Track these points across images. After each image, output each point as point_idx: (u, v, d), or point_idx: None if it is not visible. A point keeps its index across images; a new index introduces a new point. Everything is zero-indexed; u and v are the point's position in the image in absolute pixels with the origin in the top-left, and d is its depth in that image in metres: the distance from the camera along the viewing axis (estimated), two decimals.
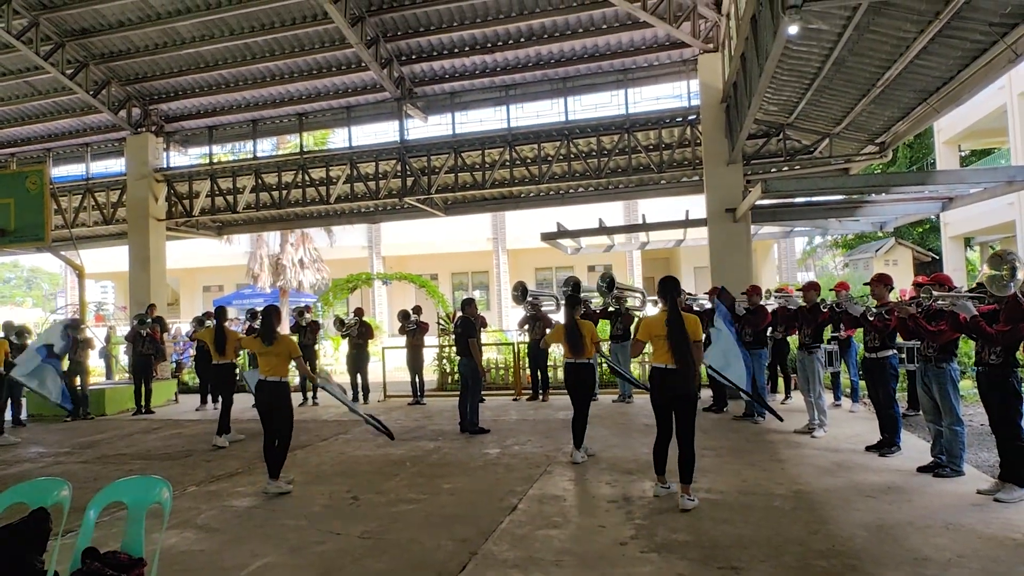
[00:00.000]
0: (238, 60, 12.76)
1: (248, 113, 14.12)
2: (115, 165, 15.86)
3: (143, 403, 10.94)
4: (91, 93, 13.12)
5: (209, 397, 11.20)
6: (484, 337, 10.05)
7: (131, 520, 3.03)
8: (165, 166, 14.84)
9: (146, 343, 11.11)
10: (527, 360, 11.06)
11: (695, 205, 12.76)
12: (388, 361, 12.09)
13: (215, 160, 15.25)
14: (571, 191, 14.10)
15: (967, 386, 8.32)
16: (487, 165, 13.11)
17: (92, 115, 14.36)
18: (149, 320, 11.41)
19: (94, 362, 12.68)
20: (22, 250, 16.29)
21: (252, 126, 14.42)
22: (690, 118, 11.95)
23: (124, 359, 14.17)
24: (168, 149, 14.96)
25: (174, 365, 14.43)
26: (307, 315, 11.38)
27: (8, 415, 9.88)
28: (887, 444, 6.15)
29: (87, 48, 12.77)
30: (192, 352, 13.56)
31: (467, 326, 8.09)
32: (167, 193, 14.77)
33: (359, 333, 11.22)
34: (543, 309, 10.88)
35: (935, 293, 5.22)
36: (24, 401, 10.67)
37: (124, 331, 13.60)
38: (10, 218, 12.55)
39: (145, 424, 9.89)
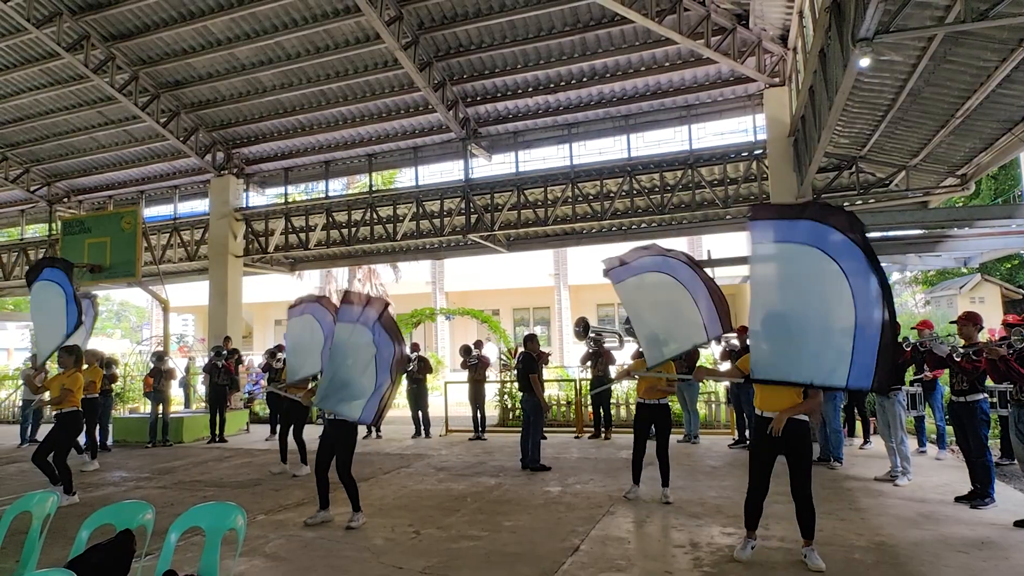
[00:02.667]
0: (314, 106, 13.49)
1: (321, 155, 14.83)
2: (199, 205, 16.93)
3: (217, 432, 11.39)
4: (181, 139, 14.12)
5: (278, 427, 11.54)
6: (545, 373, 10.01)
7: (208, 545, 3.15)
8: (244, 206, 15.71)
9: (221, 374, 11.61)
10: (589, 397, 10.93)
11: None
12: (450, 396, 12.18)
13: (290, 200, 16.04)
14: (634, 227, 14.03)
15: None
16: (550, 202, 13.24)
17: (181, 159, 15.41)
18: (225, 352, 11.95)
19: (174, 391, 13.30)
20: (115, 285, 17.44)
21: (325, 167, 15.13)
22: (756, 152, 11.76)
23: (201, 389, 14.83)
24: (247, 190, 15.86)
25: (246, 396, 14.99)
26: None
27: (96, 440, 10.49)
28: (980, 495, 5.72)
29: (179, 98, 13.80)
30: (264, 383, 14.06)
31: (528, 362, 8.10)
32: (245, 231, 15.60)
33: (418, 368, 11.39)
34: (605, 345, 10.77)
35: None
36: (111, 427, 11.30)
37: (202, 362, 14.28)
38: (106, 255, 13.53)
39: (218, 452, 10.27)
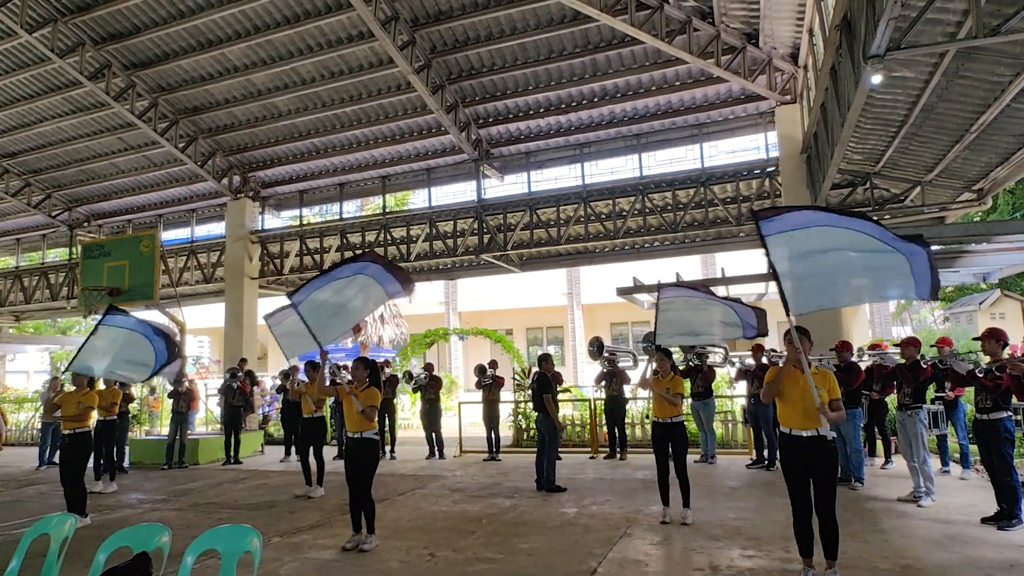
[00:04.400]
0: (328, 129, 13.69)
1: (336, 177, 15.02)
2: (216, 228, 17.14)
3: (232, 453, 11.40)
4: (199, 164, 14.36)
5: (293, 449, 11.53)
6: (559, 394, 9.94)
7: (224, 568, 3.14)
8: (260, 228, 15.90)
9: (236, 395, 11.65)
10: (604, 417, 10.85)
11: None
12: (464, 416, 12.14)
13: (304, 222, 16.21)
14: (646, 245, 14.03)
15: None
16: (562, 221, 13.28)
17: (198, 183, 15.67)
18: (240, 374, 12.00)
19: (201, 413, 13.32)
20: (133, 307, 17.61)
21: (339, 189, 15.31)
22: (769, 170, 11.75)
23: (216, 410, 14.89)
24: (263, 212, 16.06)
25: (261, 417, 15.02)
26: (386, 370, 11.65)
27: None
28: (1006, 516, 5.57)
29: (197, 124, 14.07)
30: (278, 405, 14.09)
31: (543, 382, 8.06)
32: (260, 253, 15.77)
33: (428, 386, 11.37)
34: (620, 365, 10.71)
35: None
36: (127, 449, 11.36)
37: (218, 383, 14.36)
38: (125, 278, 13.71)
39: (233, 474, 10.28)
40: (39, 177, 16.72)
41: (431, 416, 11.36)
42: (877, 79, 5.54)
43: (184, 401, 11.53)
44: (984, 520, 5.72)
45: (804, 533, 4.34)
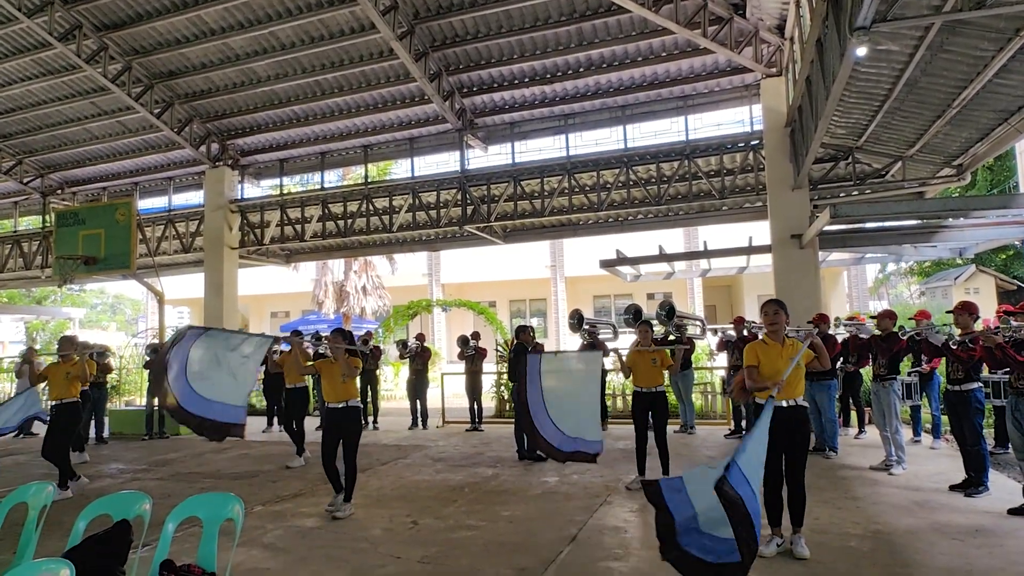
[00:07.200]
0: (309, 96, 13.39)
1: (317, 146, 14.75)
2: (195, 197, 16.81)
3: None
4: (175, 130, 14.01)
5: (275, 419, 11.53)
6: None
7: (205, 535, 3.15)
8: (239, 197, 15.62)
9: None
10: None
11: (758, 231, 12.47)
12: (447, 387, 12.20)
13: (285, 191, 15.95)
14: (630, 218, 14.03)
15: None
16: (546, 193, 13.21)
17: (175, 151, 15.30)
18: None
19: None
20: (109, 277, 17.37)
21: (320, 158, 15.06)
22: (753, 143, 11.74)
23: None
24: (243, 181, 15.76)
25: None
26: (369, 342, 11.63)
27: (92, 432, 10.47)
28: (974, 484, 5.76)
29: (173, 89, 13.68)
30: (260, 376, 14.03)
31: (522, 353, 8.10)
32: (240, 223, 15.52)
33: (418, 356, 11.40)
34: (600, 337, 10.79)
35: (1014, 323, 4.97)
36: (107, 420, 11.27)
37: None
38: (100, 247, 13.48)
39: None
40: (9, 142, 16.21)
41: (418, 386, 11.41)
42: (862, 51, 5.53)
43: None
44: (952, 487, 5.90)
45: (774, 502, 4.42)
